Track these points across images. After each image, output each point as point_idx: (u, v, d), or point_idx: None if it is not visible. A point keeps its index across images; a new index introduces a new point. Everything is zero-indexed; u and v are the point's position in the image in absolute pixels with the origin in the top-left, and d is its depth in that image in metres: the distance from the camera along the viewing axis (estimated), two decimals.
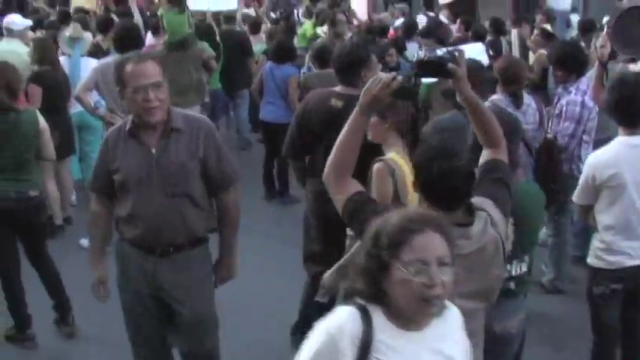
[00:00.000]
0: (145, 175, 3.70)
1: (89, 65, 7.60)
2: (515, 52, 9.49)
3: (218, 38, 9.83)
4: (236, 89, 10.32)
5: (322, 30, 9.86)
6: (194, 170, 3.76)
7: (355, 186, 2.97)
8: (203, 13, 10.56)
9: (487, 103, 5.18)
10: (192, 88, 8.70)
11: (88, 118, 7.39)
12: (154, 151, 3.71)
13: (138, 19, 9.93)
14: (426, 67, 2.93)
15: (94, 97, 7.06)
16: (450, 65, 2.89)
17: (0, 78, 5.15)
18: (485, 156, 3.13)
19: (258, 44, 11.01)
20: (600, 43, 5.90)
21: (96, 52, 8.68)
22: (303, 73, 8.73)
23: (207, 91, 8.94)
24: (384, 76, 2.89)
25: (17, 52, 7.82)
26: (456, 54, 2.95)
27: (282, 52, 8.74)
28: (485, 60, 7.02)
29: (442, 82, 3.88)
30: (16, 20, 8.69)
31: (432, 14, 14.29)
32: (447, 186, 2.80)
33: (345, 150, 2.96)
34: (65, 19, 10.89)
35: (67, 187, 7.64)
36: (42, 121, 5.41)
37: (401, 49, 9.45)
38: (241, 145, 10.74)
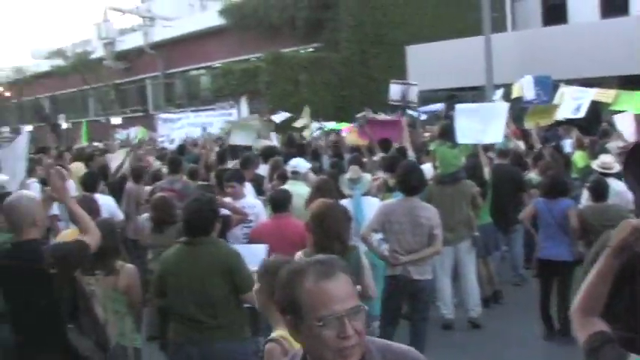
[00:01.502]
0: None
1: (371, 204, 7.87)
2: None
3: (486, 174, 9.78)
4: (510, 224, 10.22)
5: (596, 163, 9.53)
6: None
7: (599, 325, 2.95)
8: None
9: None
10: (462, 223, 8.80)
11: (371, 257, 7.62)
12: None
13: (411, 155, 10.31)
14: None
15: (374, 236, 7.22)
16: None
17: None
18: None
19: (532, 175, 10.90)
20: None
21: (381, 190, 8.96)
22: (579, 206, 8.46)
23: (475, 226, 8.97)
24: (635, 220, 2.86)
25: (300, 194, 8.33)
26: None
27: (556, 187, 8.46)
28: None
29: None
30: (300, 164, 9.46)
31: None
32: None
33: (594, 292, 2.98)
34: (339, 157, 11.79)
35: None
36: (363, 260, 5.74)
37: None
38: (515, 281, 10.56)
